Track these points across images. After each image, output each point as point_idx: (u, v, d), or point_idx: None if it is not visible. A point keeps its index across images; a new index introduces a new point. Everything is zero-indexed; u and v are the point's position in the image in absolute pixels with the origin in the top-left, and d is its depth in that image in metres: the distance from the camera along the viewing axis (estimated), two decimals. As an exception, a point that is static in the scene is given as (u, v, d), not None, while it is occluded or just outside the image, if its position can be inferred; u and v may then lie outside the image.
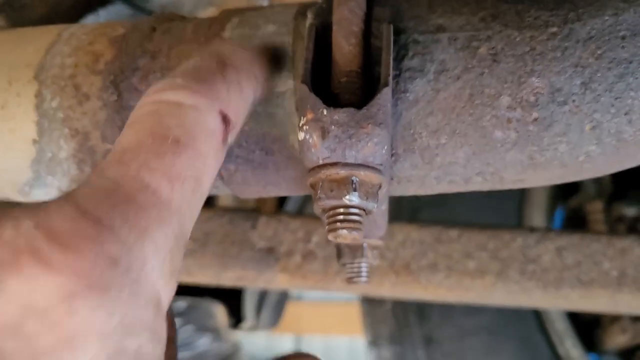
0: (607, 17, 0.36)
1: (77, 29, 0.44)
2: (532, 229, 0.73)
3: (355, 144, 0.32)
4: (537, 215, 1.02)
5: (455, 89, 0.37)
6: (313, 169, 0.33)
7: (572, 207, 1.13)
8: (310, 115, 0.32)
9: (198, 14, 0.79)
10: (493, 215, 0.97)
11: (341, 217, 0.33)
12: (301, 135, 0.32)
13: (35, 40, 0.44)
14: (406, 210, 0.99)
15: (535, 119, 0.36)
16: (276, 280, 0.76)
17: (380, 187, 0.34)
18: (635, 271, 0.69)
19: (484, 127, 0.37)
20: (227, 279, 0.77)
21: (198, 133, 0.30)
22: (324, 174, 0.32)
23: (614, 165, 0.40)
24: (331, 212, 0.33)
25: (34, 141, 0.42)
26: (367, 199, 0.33)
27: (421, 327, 1.05)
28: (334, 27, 0.37)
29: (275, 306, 1.36)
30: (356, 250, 0.48)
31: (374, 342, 1.10)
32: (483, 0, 0.38)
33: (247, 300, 1.26)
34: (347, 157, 0.32)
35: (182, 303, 1.56)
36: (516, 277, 0.72)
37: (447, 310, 1.04)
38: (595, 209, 1.06)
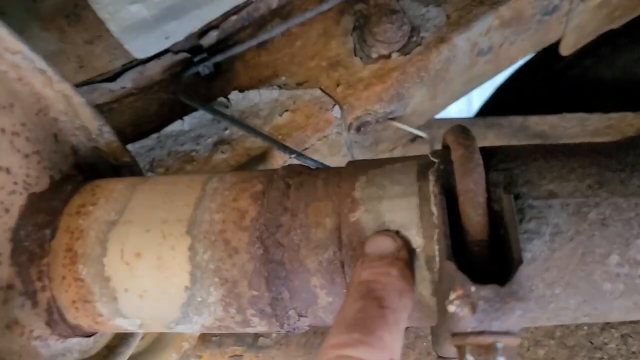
0: (699, 185, 0.42)
1: (218, 183, 0.50)
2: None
3: (501, 317, 0.37)
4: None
5: (569, 249, 0.42)
6: (459, 333, 0.38)
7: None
8: (460, 292, 0.37)
9: (275, 118, 0.85)
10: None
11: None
12: (452, 309, 0.38)
13: (182, 195, 0.50)
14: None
15: None
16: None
17: (519, 346, 0.39)
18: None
19: (594, 280, 0.42)
20: (308, 367, 0.82)
21: None
22: (472, 339, 0.38)
23: None
24: (480, 374, 0.38)
25: (186, 288, 0.48)
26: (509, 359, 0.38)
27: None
28: (461, 198, 0.42)
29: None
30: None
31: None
32: (587, 167, 0.44)
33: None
34: (493, 327, 0.37)
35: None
36: (584, 363, 0.76)
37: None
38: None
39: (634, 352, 0.75)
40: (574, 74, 1.26)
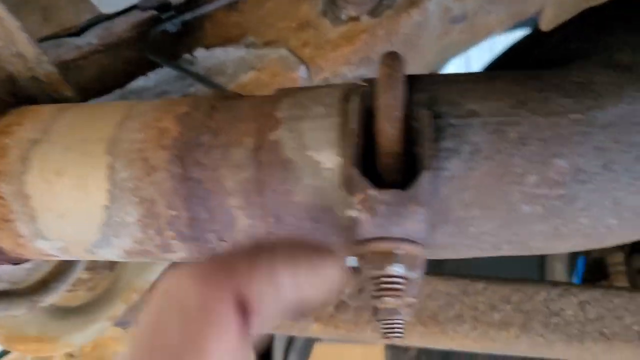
0: (624, 105, 0.40)
1: (144, 106, 0.50)
2: (555, 283, 0.76)
3: (401, 222, 0.36)
4: (558, 268, 1.05)
5: (487, 168, 0.41)
6: (360, 241, 0.37)
7: (593, 259, 1.16)
8: (360, 196, 0.36)
9: (240, 77, 0.84)
10: (515, 267, 0.99)
11: (386, 285, 0.37)
12: (353, 213, 0.37)
13: (106, 116, 0.49)
14: (432, 262, 1.02)
15: (560, 196, 0.40)
16: (310, 329, 0.79)
17: (421, 258, 0.38)
18: (657, 326, 0.72)
19: (512, 202, 0.41)
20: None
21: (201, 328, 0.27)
22: (371, 246, 0.37)
23: (634, 236, 0.43)
24: (376, 281, 0.37)
25: (105, 207, 0.47)
26: (409, 269, 0.37)
27: (445, 374, 1.07)
28: (378, 112, 0.41)
29: (301, 349, 1.39)
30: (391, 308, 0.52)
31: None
32: (511, 87, 0.42)
33: (276, 344, 1.29)
34: (393, 232, 0.36)
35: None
36: (540, 330, 0.74)
37: (471, 357, 1.06)
38: (616, 261, 1.08)
39: (590, 319, 0.73)
40: (558, 56, 1.25)
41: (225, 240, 0.47)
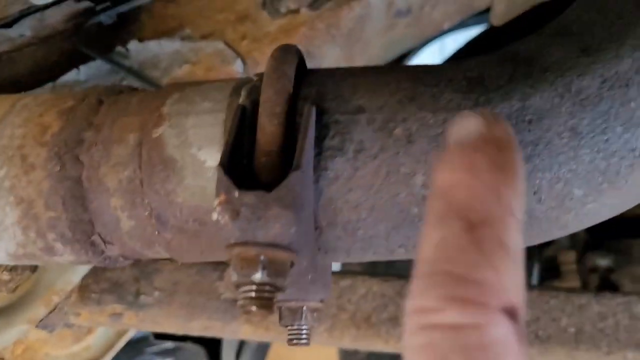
0: (515, 102, 0.38)
1: (31, 100, 0.47)
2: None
3: (264, 225, 0.34)
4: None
5: (373, 168, 0.38)
6: (227, 246, 0.35)
7: (547, 257, 1.14)
8: (222, 197, 0.34)
9: (174, 71, 0.82)
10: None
11: (252, 294, 0.34)
12: (214, 216, 0.34)
13: (-10, 110, 0.47)
14: (366, 262, 1.01)
15: None
16: (241, 331, 0.77)
17: (291, 264, 0.36)
18: (592, 328, 0.70)
19: (401, 203, 0.39)
20: (193, 329, 0.78)
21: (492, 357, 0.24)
22: (236, 251, 0.34)
23: (528, 241, 0.41)
24: (242, 289, 0.34)
25: (-18, 207, 0.44)
26: (276, 276, 0.34)
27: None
28: (260, 108, 0.39)
29: (256, 350, 1.36)
30: (296, 313, 0.49)
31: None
32: (402, 81, 0.40)
33: (225, 346, 1.26)
34: (257, 237, 0.34)
35: (169, 344, 1.57)
36: (477, 332, 0.72)
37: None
38: (569, 260, 1.07)
39: (526, 321, 0.71)
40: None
41: (112, 243, 0.45)
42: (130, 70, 0.81)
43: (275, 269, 0.34)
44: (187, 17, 0.87)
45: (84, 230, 0.44)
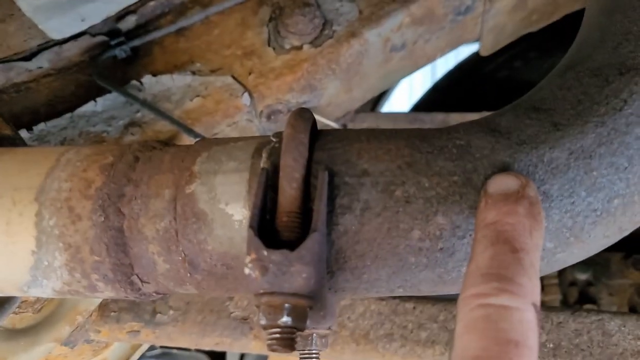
0: (496, 170, 0.45)
1: (73, 155, 0.53)
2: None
3: (289, 279, 0.40)
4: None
5: (377, 224, 0.45)
6: (256, 295, 0.41)
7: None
8: (253, 256, 0.40)
9: (186, 103, 0.88)
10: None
11: (277, 335, 0.41)
12: (246, 271, 0.41)
13: (37, 164, 0.53)
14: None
15: (441, 249, 0.45)
16: (250, 346, 0.84)
17: (310, 308, 0.42)
18: (569, 344, 0.77)
19: (400, 253, 0.45)
20: (206, 344, 0.84)
21: (526, 331, 0.35)
22: (264, 299, 0.41)
23: None
24: (269, 331, 0.41)
25: (33, 252, 0.50)
26: (298, 320, 0.41)
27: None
28: (280, 172, 0.45)
29: (257, 356, 1.43)
30: (307, 339, 0.56)
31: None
32: (401, 148, 0.47)
33: (229, 354, 1.33)
34: (282, 288, 0.40)
35: (157, 350, 1.63)
36: (465, 347, 0.79)
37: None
38: (550, 274, 1.14)
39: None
40: (503, 76, 1.30)
41: (148, 282, 0.51)
42: (144, 103, 0.87)
43: (297, 314, 0.41)
44: (197, 51, 0.93)
45: (125, 272, 0.50)
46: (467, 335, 0.36)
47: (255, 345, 0.83)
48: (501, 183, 0.42)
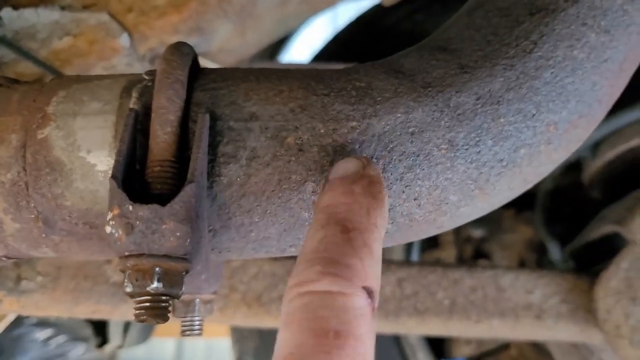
0: (399, 115, 0.40)
1: None
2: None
3: (159, 239, 0.34)
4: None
5: (265, 175, 0.40)
6: (120, 257, 0.35)
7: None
8: (116, 211, 0.34)
9: (54, 43, 0.77)
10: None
11: (147, 304, 0.35)
12: (107, 229, 0.34)
13: None
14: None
15: None
16: (131, 314, 0.76)
17: (186, 272, 0.36)
18: (465, 300, 0.77)
19: (292, 208, 0.40)
20: (80, 312, 0.76)
21: (352, 319, 0.31)
22: (130, 263, 0.34)
23: (409, 239, 0.45)
24: (137, 300, 0.35)
25: None
26: (171, 286, 0.35)
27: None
28: (152, 114, 0.38)
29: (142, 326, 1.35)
30: (188, 305, 0.50)
31: (240, 358, 1.13)
32: (295, 90, 0.41)
33: (112, 323, 1.24)
34: (152, 249, 0.34)
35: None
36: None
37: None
38: (446, 231, 1.15)
39: (406, 295, 0.76)
40: (405, 28, 1.27)
41: None
42: (3, 41, 0.75)
43: (170, 279, 0.35)
44: (68, -16, 0.82)
45: None
46: (283, 330, 0.31)
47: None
48: (340, 168, 0.38)
